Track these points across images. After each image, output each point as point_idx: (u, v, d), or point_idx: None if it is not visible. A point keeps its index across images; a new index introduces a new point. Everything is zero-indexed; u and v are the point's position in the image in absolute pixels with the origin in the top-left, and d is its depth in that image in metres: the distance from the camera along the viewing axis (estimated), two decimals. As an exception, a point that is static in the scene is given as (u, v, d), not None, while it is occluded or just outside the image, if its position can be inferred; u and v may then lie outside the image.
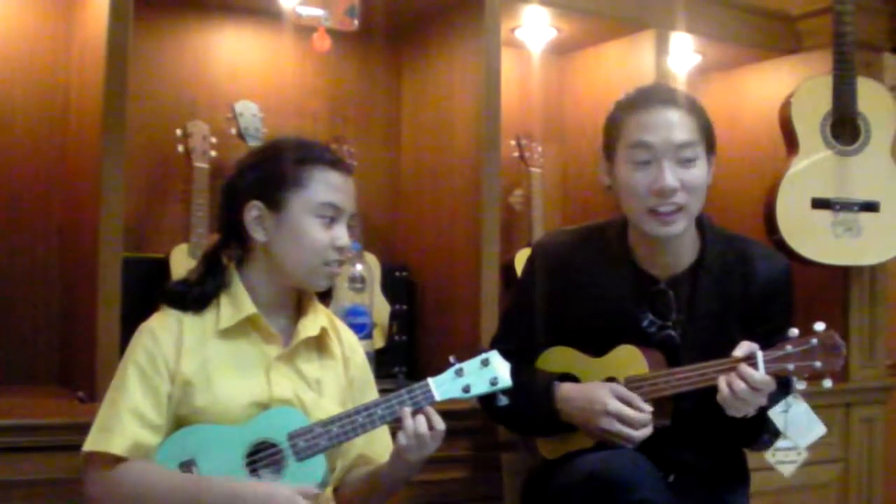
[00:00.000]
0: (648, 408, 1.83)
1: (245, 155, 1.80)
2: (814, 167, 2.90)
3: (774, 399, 1.79)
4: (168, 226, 2.57)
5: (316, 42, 2.50)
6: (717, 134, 3.29)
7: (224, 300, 1.67)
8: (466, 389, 1.65)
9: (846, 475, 3.05)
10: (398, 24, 2.82)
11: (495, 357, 1.67)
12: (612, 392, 1.84)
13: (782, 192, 2.88)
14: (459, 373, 1.66)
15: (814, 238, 2.87)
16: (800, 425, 1.78)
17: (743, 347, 1.77)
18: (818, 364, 1.73)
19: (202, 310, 1.66)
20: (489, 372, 1.65)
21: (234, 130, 2.54)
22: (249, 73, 2.71)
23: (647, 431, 1.83)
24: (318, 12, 2.49)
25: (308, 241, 1.65)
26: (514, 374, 1.71)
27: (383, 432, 1.76)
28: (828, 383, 1.76)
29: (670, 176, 1.82)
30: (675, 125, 1.85)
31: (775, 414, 1.77)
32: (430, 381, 1.65)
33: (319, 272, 1.68)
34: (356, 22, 2.55)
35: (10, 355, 2.36)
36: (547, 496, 1.94)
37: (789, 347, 1.74)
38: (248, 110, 2.55)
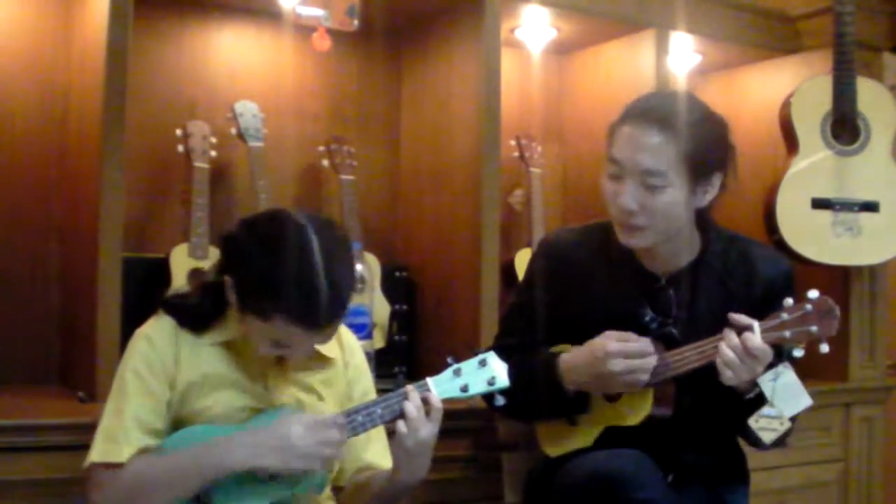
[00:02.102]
0: (644, 339, 1.85)
1: (246, 221, 1.61)
2: (814, 167, 2.90)
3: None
4: (168, 226, 2.56)
5: (316, 42, 2.50)
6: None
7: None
8: (464, 389, 1.65)
9: (846, 475, 3.05)
10: (398, 24, 2.82)
11: (492, 357, 1.67)
12: (607, 336, 1.86)
13: (782, 192, 2.88)
14: (457, 373, 1.66)
15: (814, 238, 2.87)
16: (787, 395, 1.79)
17: (740, 317, 1.78)
18: (814, 328, 1.75)
19: (200, 330, 1.64)
20: (487, 372, 1.66)
21: (234, 130, 2.54)
22: (249, 73, 2.71)
23: (654, 358, 1.84)
24: (318, 12, 2.49)
25: (261, 351, 1.60)
26: (517, 363, 1.70)
27: (381, 436, 1.76)
28: (824, 348, 1.77)
29: (629, 198, 1.82)
30: (646, 149, 1.80)
31: (764, 381, 1.78)
32: (429, 380, 1.65)
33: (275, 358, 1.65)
34: (356, 22, 2.55)
35: (10, 355, 2.36)
36: (549, 495, 1.94)
37: (785, 315, 1.77)
38: (249, 110, 2.55)
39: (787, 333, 1.76)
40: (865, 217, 2.90)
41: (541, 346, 2.01)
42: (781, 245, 2.85)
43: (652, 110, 1.84)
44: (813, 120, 2.90)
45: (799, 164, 2.90)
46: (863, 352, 3.08)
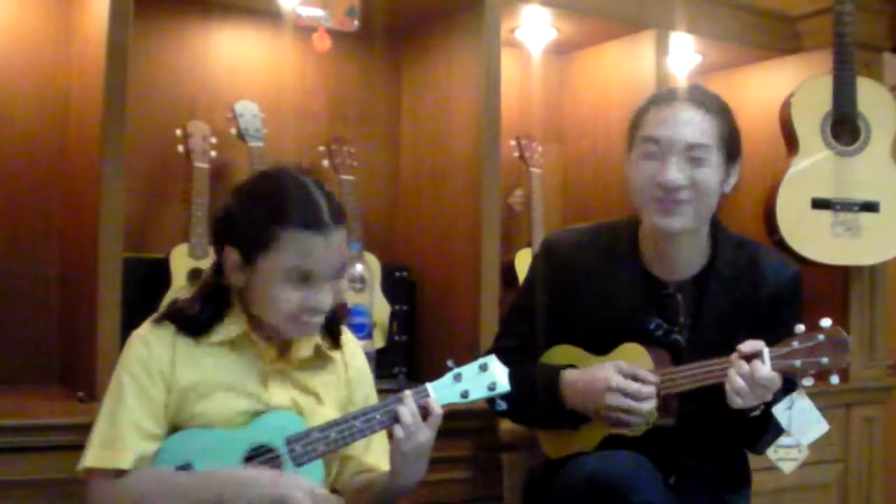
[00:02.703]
0: (654, 378, 1.83)
1: (237, 185, 1.70)
2: (814, 167, 2.90)
3: (777, 397, 1.79)
4: (168, 226, 2.56)
5: (316, 42, 2.50)
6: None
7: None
8: (465, 394, 1.65)
9: (846, 475, 3.05)
10: (398, 24, 2.82)
11: (493, 361, 1.67)
12: (615, 368, 1.84)
13: (782, 193, 2.88)
14: (458, 378, 1.66)
15: (814, 238, 2.87)
16: (803, 422, 1.78)
17: (749, 344, 1.76)
18: (825, 360, 1.73)
19: (201, 333, 1.63)
20: (487, 377, 1.65)
21: (234, 131, 2.54)
22: (249, 74, 2.71)
23: (651, 404, 1.82)
24: (318, 12, 2.49)
25: (276, 303, 1.59)
26: (519, 366, 1.70)
27: (381, 438, 1.76)
28: (835, 379, 1.76)
29: (675, 170, 1.83)
30: (689, 124, 1.84)
31: (779, 411, 1.77)
32: (429, 386, 1.64)
33: (292, 327, 1.62)
34: (356, 22, 2.55)
35: (10, 355, 2.36)
36: (548, 497, 1.94)
37: (795, 344, 1.74)
38: (249, 110, 2.55)
39: (798, 363, 1.74)
40: (865, 217, 2.90)
41: (542, 349, 2.01)
42: (781, 245, 2.85)
43: (690, 92, 1.90)
44: (813, 120, 2.90)
45: (799, 164, 2.90)
46: (863, 352, 3.08)
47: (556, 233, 2.13)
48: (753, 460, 2.05)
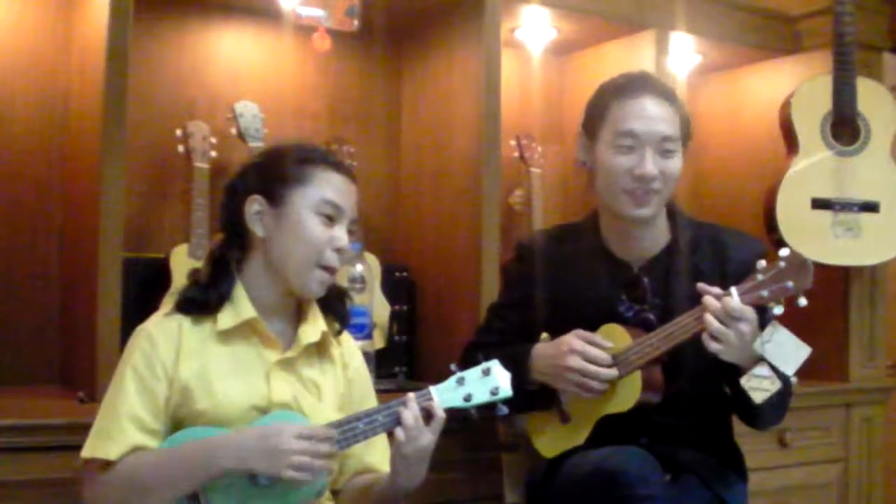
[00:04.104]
0: (608, 343, 1.90)
1: (249, 156, 1.81)
2: (814, 167, 2.90)
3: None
4: (168, 226, 2.57)
5: (316, 42, 2.50)
6: (717, 134, 3.30)
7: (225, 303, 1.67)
8: (468, 398, 1.65)
9: (846, 475, 3.05)
10: (398, 24, 2.82)
11: (496, 366, 1.67)
12: (576, 334, 1.92)
13: (782, 192, 2.88)
14: (461, 382, 1.66)
15: (814, 238, 2.87)
16: (785, 351, 1.80)
17: (715, 289, 1.81)
18: (790, 284, 1.77)
19: (216, 312, 1.64)
20: (490, 381, 1.66)
21: (234, 131, 2.54)
22: (249, 74, 2.71)
23: (611, 373, 1.88)
24: (318, 12, 2.49)
25: (306, 237, 1.64)
26: (496, 349, 1.80)
27: (382, 439, 1.76)
28: (802, 301, 1.77)
29: (651, 164, 1.91)
30: (662, 118, 1.93)
31: (759, 345, 1.79)
32: (432, 389, 1.65)
33: (314, 275, 1.65)
34: (356, 22, 2.55)
35: (10, 355, 2.36)
36: (551, 494, 1.96)
37: (759, 277, 1.79)
38: (249, 111, 2.55)
39: (765, 293, 1.78)
40: (865, 217, 2.90)
41: (519, 343, 2.05)
42: (781, 245, 2.84)
43: (650, 83, 1.98)
44: (813, 120, 2.90)
45: (799, 164, 2.90)
46: (863, 352, 3.08)
47: (526, 238, 2.26)
48: (752, 459, 2.06)
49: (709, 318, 1.78)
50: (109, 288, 2.10)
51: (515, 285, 2.12)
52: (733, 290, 1.79)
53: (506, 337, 2.08)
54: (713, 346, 1.78)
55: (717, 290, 1.80)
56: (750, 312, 1.78)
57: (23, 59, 2.43)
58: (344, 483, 1.76)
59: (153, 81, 2.56)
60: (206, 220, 2.40)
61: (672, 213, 2.03)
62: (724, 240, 2.01)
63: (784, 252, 1.80)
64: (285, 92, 2.76)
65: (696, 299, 1.84)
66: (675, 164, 1.94)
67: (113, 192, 2.12)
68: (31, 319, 2.41)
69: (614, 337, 1.93)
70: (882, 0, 3.16)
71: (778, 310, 1.79)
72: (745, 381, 1.81)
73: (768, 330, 1.80)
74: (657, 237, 2.01)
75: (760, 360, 1.80)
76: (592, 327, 1.95)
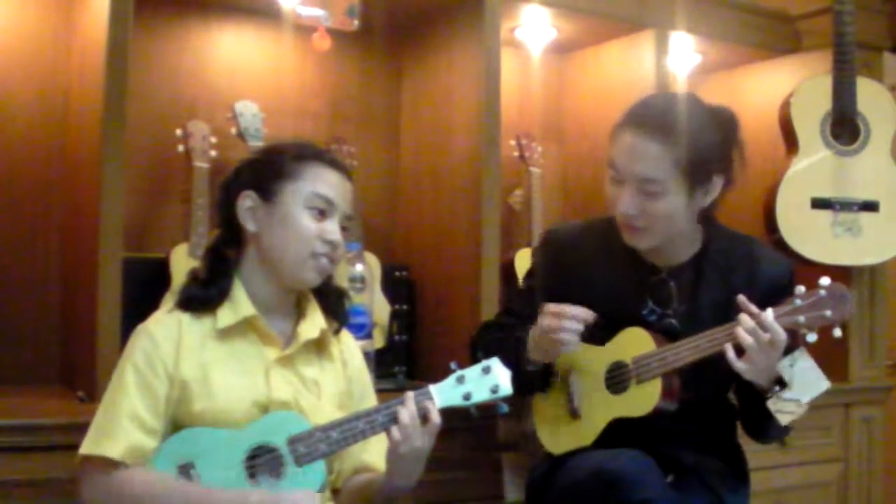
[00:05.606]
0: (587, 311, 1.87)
1: (241, 160, 1.79)
2: (814, 167, 2.90)
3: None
4: (168, 226, 2.56)
5: (316, 42, 2.50)
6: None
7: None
8: (467, 397, 1.65)
9: (846, 475, 3.05)
10: (398, 24, 2.82)
11: (496, 364, 1.67)
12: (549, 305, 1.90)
13: (782, 192, 2.88)
14: (461, 380, 1.66)
15: (814, 238, 2.88)
16: (804, 380, 1.79)
17: (749, 305, 1.78)
18: (828, 313, 1.75)
19: (216, 309, 1.65)
20: (490, 380, 1.66)
21: (234, 130, 2.54)
22: (249, 73, 2.71)
23: (576, 325, 1.84)
24: (318, 12, 2.49)
25: (296, 231, 1.64)
26: (507, 328, 1.81)
27: (380, 437, 1.76)
28: (838, 332, 1.77)
29: (628, 203, 1.85)
30: (644, 158, 1.82)
31: (782, 367, 1.79)
32: (432, 388, 1.65)
33: (307, 264, 1.65)
34: (356, 22, 2.55)
35: (10, 355, 2.36)
36: (552, 494, 1.95)
37: (798, 301, 1.77)
38: (249, 110, 2.55)
39: (802, 318, 1.76)
40: (865, 217, 2.90)
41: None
42: (781, 245, 2.85)
43: (651, 117, 1.86)
44: (813, 120, 2.90)
45: (799, 164, 2.90)
46: (863, 352, 3.08)
47: (554, 226, 2.19)
48: (752, 459, 2.05)
49: (742, 334, 1.75)
50: (109, 288, 2.10)
51: (541, 273, 2.07)
52: (770, 311, 1.76)
53: (524, 322, 2.02)
54: (739, 365, 1.76)
55: (755, 308, 1.77)
56: (783, 335, 1.75)
57: (23, 59, 2.43)
58: (342, 482, 1.76)
59: (153, 81, 2.56)
60: (206, 219, 2.40)
61: (706, 220, 1.97)
62: (758, 255, 1.97)
63: (825, 281, 1.78)
64: (285, 91, 2.76)
65: (721, 309, 1.83)
66: (661, 206, 1.83)
67: (113, 191, 2.11)
68: (31, 319, 2.41)
69: (638, 341, 1.90)
70: (882, 0, 3.16)
71: (811, 337, 1.78)
72: (772, 405, 1.80)
73: (796, 354, 1.79)
74: (686, 243, 1.96)
75: (779, 381, 1.79)
76: (615, 327, 1.93)
